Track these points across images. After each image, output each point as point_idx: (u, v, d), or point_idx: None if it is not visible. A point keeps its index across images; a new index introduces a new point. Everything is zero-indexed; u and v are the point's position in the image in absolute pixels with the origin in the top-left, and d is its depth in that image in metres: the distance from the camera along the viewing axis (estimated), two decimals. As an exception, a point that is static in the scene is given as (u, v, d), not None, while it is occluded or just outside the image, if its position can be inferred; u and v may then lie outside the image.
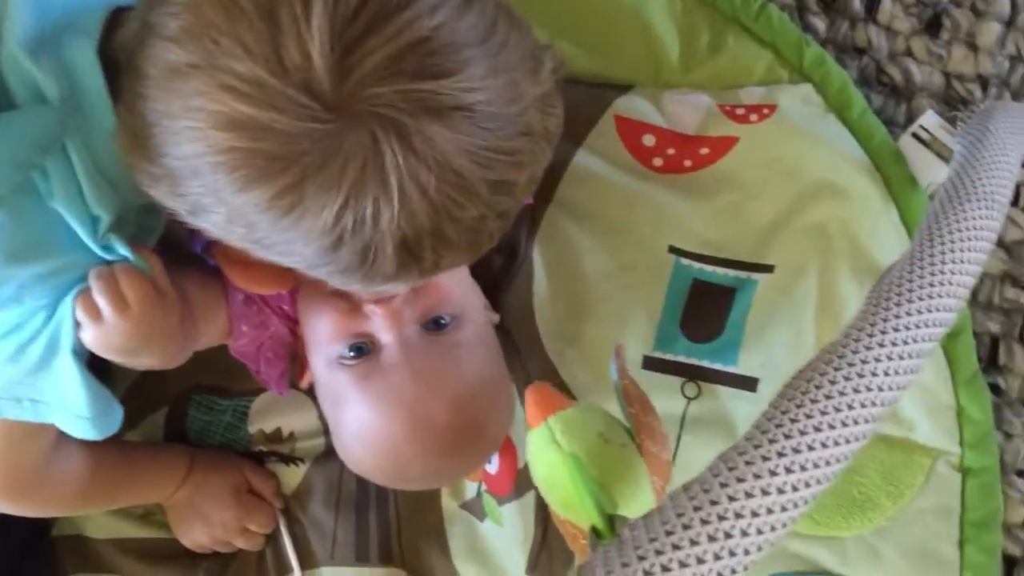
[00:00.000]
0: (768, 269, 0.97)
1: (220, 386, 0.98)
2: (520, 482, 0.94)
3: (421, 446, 0.81)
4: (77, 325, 0.66)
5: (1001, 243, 1.01)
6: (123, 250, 0.65)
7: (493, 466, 0.95)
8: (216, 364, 0.95)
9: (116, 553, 0.98)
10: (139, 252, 0.66)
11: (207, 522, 0.96)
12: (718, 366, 0.97)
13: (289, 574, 0.98)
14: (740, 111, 0.98)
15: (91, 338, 0.66)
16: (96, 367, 0.90)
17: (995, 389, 1.00)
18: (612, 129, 0.98)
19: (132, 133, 0.60)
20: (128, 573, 0.98)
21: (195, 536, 0.97)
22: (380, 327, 0.80)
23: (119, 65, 0.61)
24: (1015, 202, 1.01)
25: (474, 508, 0.98)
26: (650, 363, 0.97)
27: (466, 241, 0.62)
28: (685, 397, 0.97)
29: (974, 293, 1.00)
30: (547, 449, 0.61)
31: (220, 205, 0.58)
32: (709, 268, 0.98)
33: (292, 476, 0.99)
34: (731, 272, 0.98)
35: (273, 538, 0.99)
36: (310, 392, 0.94)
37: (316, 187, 0.56)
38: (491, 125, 0.58)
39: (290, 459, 0.99)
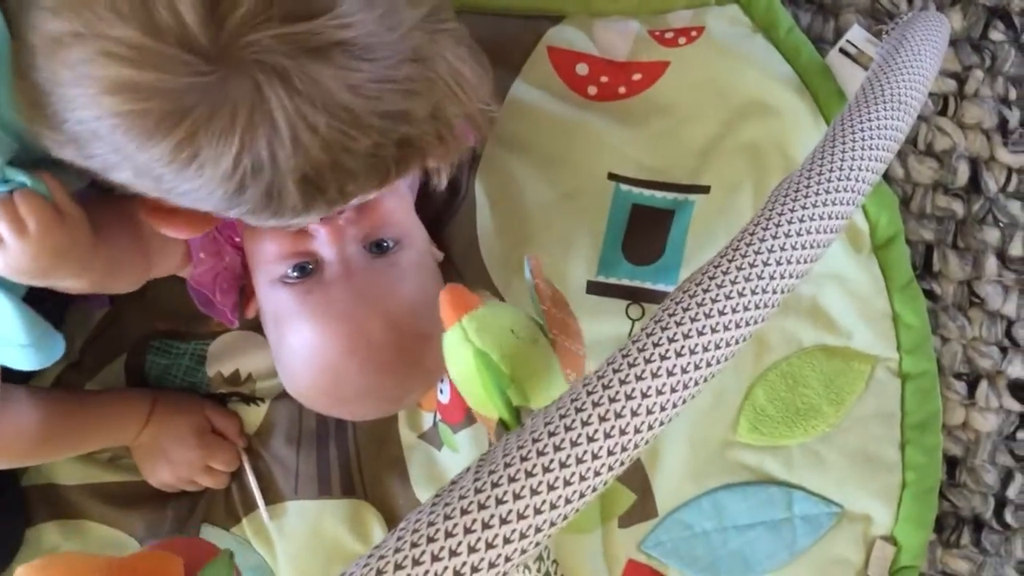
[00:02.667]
0: (704, 190, 0.99)
1: (177, 330, 1.01)
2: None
3: (357, 361, 0.83)
4: None
5: (931, 152, 1.03)
6: (20, 176, 0.66)
7: (445, 396, 0.97)
8: (172, 308, 0.98)
9: (86, 498, 1.00)
10: (37, 176, 0.67)
11: (171, 461, 0.98)
12: (660, 287, 0.99)
13: (258, 509, 1.01)
14: (669, 35, 0.99)
15: (1, 264, 0.67)
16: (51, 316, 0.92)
17: (931, 295, 1.02)
18: (546, 60, 1.00)
19: (30, 102, 0.61)
20: (98, 517, 1.00)
21: (161, 476, 0.99)
22: (323, 244, 0.83)
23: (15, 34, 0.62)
24: (943, 111, 1.03)
25: (431, 438, 1.00)
26: (594, 287, 0.99)
27: (367, 168, 0.63)
28: (630, 319, 0.99)
29: (907, 202, 1.03)
30: (460, 347, 0.63)
31: (126, 163, 0.61)
32: (648, 192, 1.00)
33: (254, 415, 1.02)
34: (669, 195, 1.00)
35: (238, 476, 1.02)
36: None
37: (210, 138, 0.58)
38: (373, 56, 0.59)
39: (251, 399, 1.02)
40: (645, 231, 1.00)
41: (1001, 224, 1.02)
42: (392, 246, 0.85)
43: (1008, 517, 1.02)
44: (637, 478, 0.99)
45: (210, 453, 0.99)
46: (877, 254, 0.99)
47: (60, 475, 1.00)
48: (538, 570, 0.96)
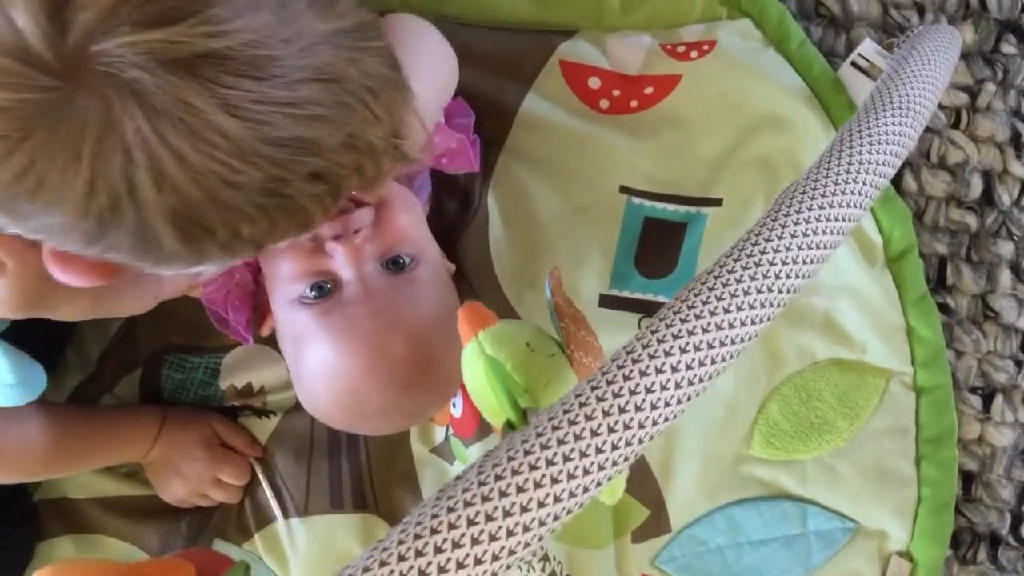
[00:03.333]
0: (716, 203, 1.00)
1: (191, 344, 1.01)
2: (484, 424, 0.96)
3: (378, 380, 0.83)
4: None
5: (944, 165, 1.03)
6: None
7: (457, 410, 0.97)
8: (187, 323, 0.99)
9: (99, 512, 1.01)
10: None
11: (182, 476, 0.99)
12: (673, 300, 0.99)
13: (270, 524, 1.01)
14: (681, 49, 1.00)
15: None
16: (61, 333, 0.93)
17: (945, 309, 1.02)
18: (558, 74, 1.01)
19: None
20: (112, 531, 1.01)
21: (174, 491, 1.00)
22: (341, 264, 0.83)
23: None
24: (956, 125, 1.03)
25: (443, 452, 1.00)
26: (606, 301, 1.00)
27: (269, 208, 0.54)
28: (642, 332, 0.99)
29: (920, 215, 1.02)
30: (475, 360, 0.63)
31: None
32: (660, 205, 1.00)
33: (265, 429, 1.02)
34: (681, 208, 1.00)
35: (251, 490, 1.02)
36: (278, 346, 0.97)
37: (52, 166, 0.49)
38: (259, 73, 0.50)
39: (263, 412, 1.02)
40: (657, 244, 1.00)
41: (1015, 237, 1.02)
42: (409, 263, 0.85)
43: (1025, 533, 1.01)
44: (650, 493, 0.99)
45: (219, 466, 0.99)
46: (891, 267, 0.99)
47: (74, 489, 1.01)
48: (550, 585, 0.96)
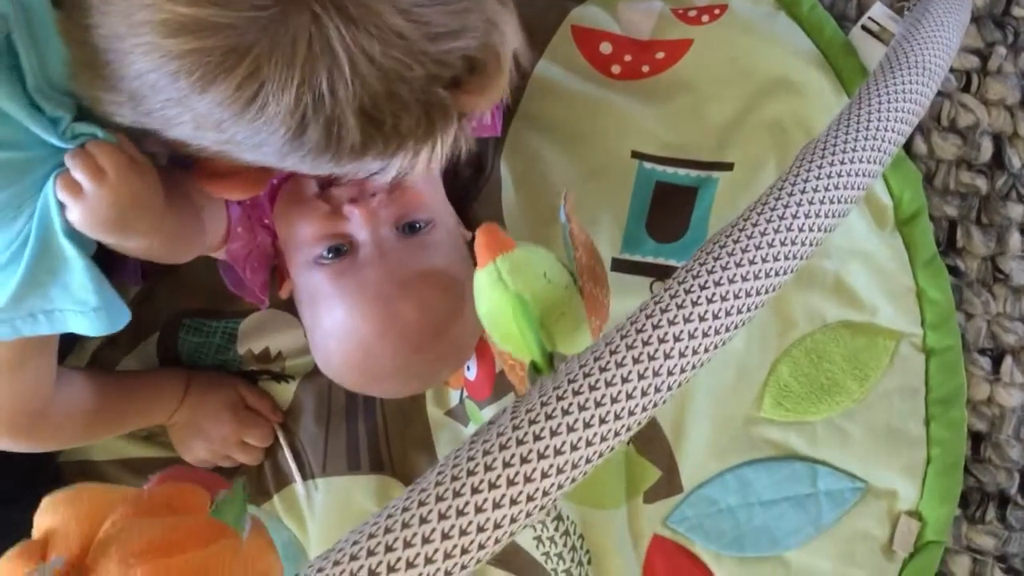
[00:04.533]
0: (728, 167, 1.00)
1: (209, 308, 1.02)
2: (499, 386, 0.98)
3: (391, 340, 0.85)
4: (62, 208, 0.68)
5: (955, 128, 1.03)
6: (91, 128, 0.66)
7: (471, 372, 0.98)
8: (204, 287, 1.00)
9: (122, 474, 1.02)
10: (107, 129, 0.67)
11: (207, 438, 1.00)
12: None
13: (289, 485, 1.02)
14: (692, 13, 1.00)
15: (77, 215, 0.67)
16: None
17: (954, 271, 1.02)
18: (570, 39, 1.01)
19: (88, 66, 0.62)
20: (133, 493, 1.02)
21: (196, 452, 1.01)
22: (357, 226, 0.85)
23: (59, 4, 0.63)
24: (966, 88, 1.03)
25: (458, 415, 1.01)
26: (618, 265, 1.00)
27: (419, 103, 0.63)
28: (654, 295, 1.00)
29: (930, 178, 1.03)
30: (493, 287, 0.64)
31: (186, 113, 0.61)
32: (671, 170, 1.01)
33: (283, 393, 1.03)
34: (692, 172, 1.01)
35: (270, 452, 1.03)
36: (295, 311, 0.98)
37: (272, 72, 0.58)
38: None
39: (281, 377, 1.03)
40: (669, 209, 1.01)
41: (1025, 200, 1.03)
42: (424, 227, 0.87)
43: (1033, 493, 1.02)
44: (662, 454, 1.00)
45: (245, 428, 1.00)
46: (901, 230, 1.00)
47: (97, 451, 1.02)
48: (564, 544, 0.97)
